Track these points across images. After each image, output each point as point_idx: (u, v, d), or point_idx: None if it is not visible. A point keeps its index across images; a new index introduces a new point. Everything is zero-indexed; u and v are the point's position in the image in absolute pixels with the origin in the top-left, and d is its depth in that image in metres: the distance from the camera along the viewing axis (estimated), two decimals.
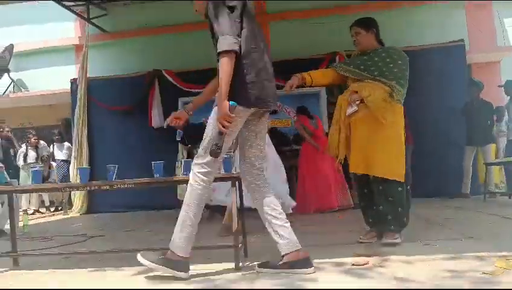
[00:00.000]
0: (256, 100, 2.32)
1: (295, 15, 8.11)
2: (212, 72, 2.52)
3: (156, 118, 7.76)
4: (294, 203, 4.56)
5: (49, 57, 9.07)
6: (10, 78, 8.89)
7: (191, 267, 2.37)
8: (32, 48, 9.03)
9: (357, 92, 3.15)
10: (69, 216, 7.46)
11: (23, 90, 8.96)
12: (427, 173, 6.40)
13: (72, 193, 7.87)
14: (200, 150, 2.38)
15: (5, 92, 8.82)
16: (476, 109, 6.38)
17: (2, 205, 5.09)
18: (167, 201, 7.16)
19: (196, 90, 7.59)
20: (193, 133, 5.52)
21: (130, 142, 7.89)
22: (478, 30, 7.49)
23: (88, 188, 2.95)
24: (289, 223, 2.43)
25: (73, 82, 8.16)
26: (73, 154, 7.89)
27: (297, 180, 6.07)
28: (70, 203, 7.98)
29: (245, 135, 2.50)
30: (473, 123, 6.33)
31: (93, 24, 8.17)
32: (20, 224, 5.48)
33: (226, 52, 2.19)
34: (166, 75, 7.83)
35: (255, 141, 2.51)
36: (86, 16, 8.02)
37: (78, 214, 7.62)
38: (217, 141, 2.27)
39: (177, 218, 2.40)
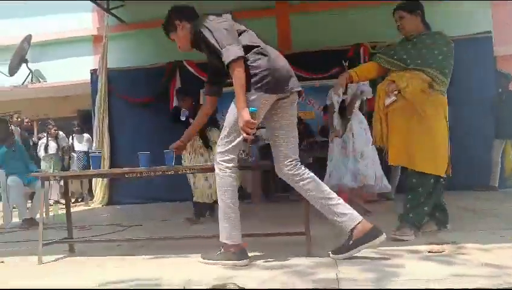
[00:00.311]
0: (274, 86, 2.36)
1: (315, 6, 8.01)
2: None
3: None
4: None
5: (66, 48, 9.00)
6: (29, 68, 8.81)
7: (263, 254, 2.36)
8: (49, 39, 8.96)
9: (394, 81, 3.09)
10: (91, 207, 7.42)
11: (41, 80, 8.88)
12: (455, 165, 6.34)
13: (94, 183, 7.84)
14: (221, 140, 2.42)
15: (24, 83, 8.75)
16: (504, 101, 6.34)
17: (33, 195, 5.07)
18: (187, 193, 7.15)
19: None
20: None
21: (150, 133, 7.81)
22: (504, 22, 7.43)
23: (152, 173, 2.86)
24: (342, 200, 2.39)
25: (93, 73, 8.09)
26: (94, 144, 7.84)
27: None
28: (91, 195, 7.94)
29: (275, 129, 2.48)
30: (501, 115, 6.29)
31: (112, 14, 8.07)
32: (51, 214, 5.47)
33: (234, 61, 2.26)
34: (187, 66, 7.76)
35: (286, 132, 2.47)
36: (105, 6, 7.92)
37: (100, 205, 7.58)
38: (243, 148, 2.42)
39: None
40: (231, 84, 2.38)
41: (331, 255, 2.40)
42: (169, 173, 2.84)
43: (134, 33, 8.47)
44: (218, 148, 2.44)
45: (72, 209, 6.22)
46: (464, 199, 5.04)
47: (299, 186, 2.45)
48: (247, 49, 2.40)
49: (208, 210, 4.67)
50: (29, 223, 4.92)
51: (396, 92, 3.05)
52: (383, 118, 3.18)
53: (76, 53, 8.85)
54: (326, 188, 2.43)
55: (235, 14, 2.60)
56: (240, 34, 2.47)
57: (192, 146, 4.87)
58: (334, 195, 2.41)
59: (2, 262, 2.72)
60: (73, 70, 8.68)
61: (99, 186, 7.82)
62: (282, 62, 2.47)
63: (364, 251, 2.32)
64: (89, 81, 8.22)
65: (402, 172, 4.96)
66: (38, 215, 5.22)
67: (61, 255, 2.88)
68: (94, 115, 7.90)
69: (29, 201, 5.40)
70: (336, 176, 4.37)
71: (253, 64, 2.38)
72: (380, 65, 3.21)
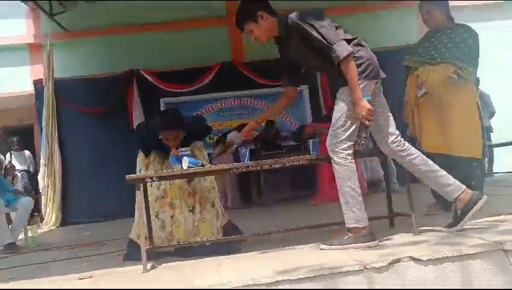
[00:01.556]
0: (375, 73, 2.57)
1: None
2: (193, 71, 2.78)
3: (138, 120, 7.37)
4: None
5: None
6: None
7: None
8: None
9: (418, 76, 3.45)
10: (46, 229, 6.74)
11: None
12: None
13: (43, 204, 7.15)
14: (336, 129, 2.53)
15: None
16: None
17: (15, 215, 4.55)
18: None
19: (178, 90, 7.49)
20: None
21: (107, 146, 7.39)
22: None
23: (265, 166, 2.73)
24: (444, 172, 2.62)
25: (37, 83, 7.42)
26: (42, 161, 7.16)
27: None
28: (40, 216, 7.20)
29: (376, 112, 2.60)
30: None
31: (56, 21, 7.50)
32: (21, 236, 4.91)
33: (347, 57, 2.43)
34: (145, 74, 7.50)
35: (383, 113, 2.67)
36: (48, 12, 7.33)
37: (55, 227, 6.92)
38: (364, 134, 2.52)
39: None
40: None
41: (443, 229, 2.60)
42: (276, 166, 2.75)
43: (79, 41, 7.94)
44: (334, 138, 2.52)
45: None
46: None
47: (407, 161, 2.61)
48: (347, 42, 2.53)
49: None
50: (11, 248, 4.37)
51: (425, 85, 3.38)
52: (415, 110, 3.51)
53: (11, 63, 8.00)
54: (430, 161, 2.62)
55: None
56: (338, 28, 2.59)
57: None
58: (438, 167, 2.61)
59: (91, 277, 2.45)
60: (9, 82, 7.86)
61: (50, 207, 7.14)
62: (369, 53, 2.63)
63: None
64: (28, 92, 7.54)
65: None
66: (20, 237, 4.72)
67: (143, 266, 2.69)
68: (42, 129, 7.22)
69: None
70: None
71: (356, 55, 2.52)
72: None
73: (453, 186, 2.57)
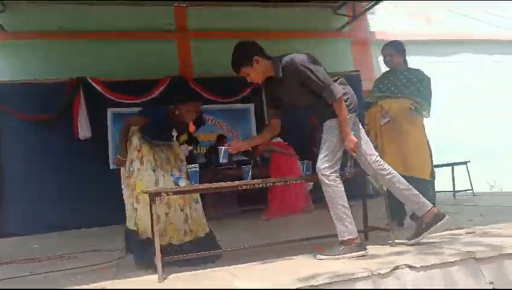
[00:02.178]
0: (355, 106, 3.02)
1: (216, 34, 8.53)
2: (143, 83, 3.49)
3: (83, 129, 7.21)
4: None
5: None
6: None
7: None
8: None
9: (382, 106, 4.02)
10: None
11: None
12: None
13: None
14: (326, 156, 2.87)
15: None
16: None
17: None
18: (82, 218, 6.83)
19: (127, 101, 7.44)
20: None
21: (49, 155, 7.12)
22: (360, 62, 9.26)
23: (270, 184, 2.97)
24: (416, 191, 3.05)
25: None
26: None
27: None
28: None
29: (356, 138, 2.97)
30: None
31: None
32: None
33: (339, 97, 2.84)
34: (93, 83, 7.35)
35: (363, 138, 3.07)
36: None
37: None
38: (350, 163, 2.97)
39: None
40: None
41: (408, 242, 3.02)
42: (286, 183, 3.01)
43: (21, 44, 7.57)
44: (325, 164, 2.84)
45: None
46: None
47: (387, 179, 2.99)
48: (334, 81, 2.92)
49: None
50: None
51: (389, 114, 3.92)
52: (378, 134, 4.01)
53: None
54: (405, 181, 3.03)
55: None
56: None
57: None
58: (411, 187, 3.03)
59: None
60: None
61: None
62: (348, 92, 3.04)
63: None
64: None
65: None
66: None
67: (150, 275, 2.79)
68: None
69: None
70: None
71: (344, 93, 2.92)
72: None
73: (423, 203, 3.02)
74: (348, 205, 2.84)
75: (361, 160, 3.06)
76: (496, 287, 2.44)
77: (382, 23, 9.42)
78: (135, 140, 3.41)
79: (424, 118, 4.03)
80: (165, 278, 2.59)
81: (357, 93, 8.57)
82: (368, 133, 4.21)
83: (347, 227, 2.80)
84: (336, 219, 2.84)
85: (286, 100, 3.12)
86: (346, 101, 2.91)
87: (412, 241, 3.00)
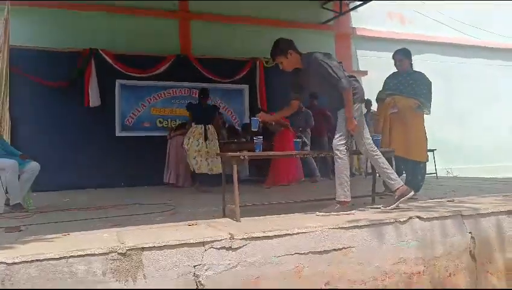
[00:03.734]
0: (363, 98, 3.90)
1: (215, 17, 9.20)
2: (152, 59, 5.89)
3: (94, 98, 7.73)
4: None
5: None
6: None
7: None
8: None
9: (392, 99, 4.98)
10: None
11: None
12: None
13: None
14: (339, 136, 3.75)
15: None
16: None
17: (19, 177, 4.89)
18: (110, 179, 7.52)
19: (136, 74, 8.02)
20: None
21: (61, 120, 7.62)
22: (343, 57, 10.24)
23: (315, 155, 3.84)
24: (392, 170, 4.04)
25: None
26: None
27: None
28: None
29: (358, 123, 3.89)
30: None
31: None
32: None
33: (348, 88, 3.68)
34: (103, 54, 7.86)
35: (363, 124, 3.91)
36: None
37: None
38: (350, 140, 3.85)
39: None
40: None
41: (382, 208, 3.90)
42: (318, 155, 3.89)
43: (37, 11, 7.87)
44: (338, 141, 3.71)
45: None
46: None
47: (375, 159, 3.87)
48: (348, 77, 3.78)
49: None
50: (18, 207, 4.73)
51: (397, 106, 4.88)
52: (387, 122, 4.94)
53: None
54: (386, 161, 3.92)
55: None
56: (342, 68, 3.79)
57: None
58: (390, 167, 3.94)
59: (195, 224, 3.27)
60: None
61: None
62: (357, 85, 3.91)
63: None
64: None
65: None
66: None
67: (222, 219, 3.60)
68: None
69: None
70: None
71: (354, 86, 3.77)
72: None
73: (396, 181, 3.90)
74: (349, 175, 3.76)
75: (359, 141, 3.93)
76: (472, 235, 3.49)
77: (363, 20, 10.42)
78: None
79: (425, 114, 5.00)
80: (239, 221, 3.42)
81: None
82: (376, 121, 5.22)
83: (345, 192, 3.70)
84: (338, 183, 3.72)
85: (309, 88, 4.06)
86: (354, 94, 3.75)
87: (387, 209, 3.86)
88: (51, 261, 2.24)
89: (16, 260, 2.18)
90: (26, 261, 2.20)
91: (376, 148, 3.95)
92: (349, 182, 3.74)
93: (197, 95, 8.60)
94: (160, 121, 8.32)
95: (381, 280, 3.10)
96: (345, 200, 3.70)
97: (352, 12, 10.27)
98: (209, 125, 6.53)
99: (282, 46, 3.77)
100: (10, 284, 2.14)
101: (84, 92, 7.69)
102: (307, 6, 9.97)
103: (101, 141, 7.77)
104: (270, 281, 2.71)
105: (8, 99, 7.16)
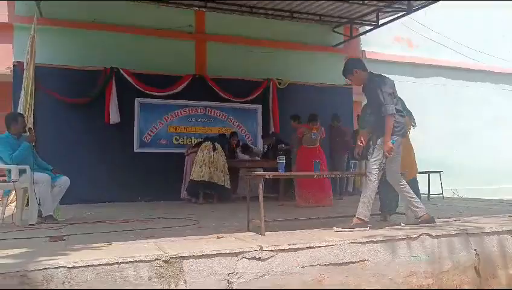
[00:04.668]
0: (405, 132, 4.28)
1: (230, 39, 9.60)
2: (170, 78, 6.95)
3: (114, 115, 8.08)
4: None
5: None
6: None
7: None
8: None
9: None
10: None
11: None
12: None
13: None
14: (374, 161, 4.09)
15: None
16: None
17: (52, 188, 5.18)
18: (128, 194, 7.83)
19: (155, 92, 8.38)
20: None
21: (81, 136, 7.94)
22: None
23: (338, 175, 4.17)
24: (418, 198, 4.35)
25: (17, 65, 7.65)
26: None
27: None
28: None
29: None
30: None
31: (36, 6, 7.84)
32: None
33: (389, 114, 4.04)
34: (124, 74, 8.23)
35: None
36: None
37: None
38: (384, 160, 4.12)
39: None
40: None
41: (402, 224, 4.24)
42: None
43: (56, 30, 8.30)
44: (373, 165, 4.04)
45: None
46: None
47: (400, 188, 4.16)
48: (397, 111, 4.12)
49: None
50: (50, 219, 5.03)
51: None
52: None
53: None
54: (410, 190, 4.23)
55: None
56: (395, 98, 4.15)
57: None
58: (413, 195, 4.24)
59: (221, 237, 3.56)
60: None
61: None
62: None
63: None
64: None
65: None
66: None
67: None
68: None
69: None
70: None
71: (397, 120, 4.10)
72: None
73: (421, 209, 4.18)
74: (373, 198, 4.06)
75: (388, 169, 4.18)
76: (477, 252, 3.76)
77: (372, 43, 10.81)
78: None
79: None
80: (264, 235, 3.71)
81: (349, 104, 9.90)
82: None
83: (366, 211, 4.00)
84: (362, 202, 4.03)
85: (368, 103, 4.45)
86: (397, 127, 4.08)
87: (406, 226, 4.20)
88: (104, 267, 2.54)
89: (75, 265, 2.48)
90: (84, 266, 2.50)
91: (403, 180, 4.23)
92: (371, 204, 4.04)
93: (212, 114, 9.04)
94: (176, 139, 8.66)
95: None
96: (364, 219, 3.99)
97: (361, 36, 10.66)
98: (217, 143, 7.56)
99: (349, 66, 4.24)
100: (69, 286, 2.44)
101: (105, 110, 8.02)
102: (319, 30, 10.37)
103: (120, 156, 8.10)
104: None
105: (32, 114, 7.57)
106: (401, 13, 9.09)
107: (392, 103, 4.05)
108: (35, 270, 2.36)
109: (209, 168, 7.21)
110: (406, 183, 4.26)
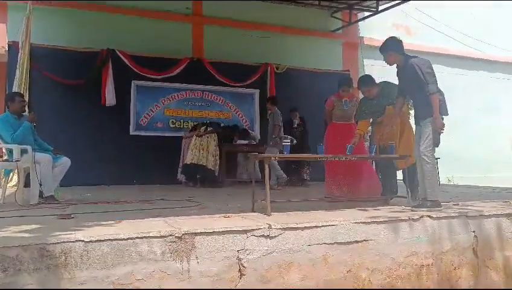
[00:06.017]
0: (445, 109, 4.37)
1: (229, 23, 9.56)
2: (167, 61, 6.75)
3: (110, 97, 8.04)
4: None
5: None
6: None
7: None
8: None
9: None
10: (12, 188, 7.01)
11: None
12: None
13: None
14: (426, 140, 4.13)
15: None
16: None
17: (52, 169, 5.18)
18: (123, 176, 7.87)
19: (152, 75, 8.34)
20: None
21: (77, 117, 7.90)
22: (349, 63, 10.66)
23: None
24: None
25: (12, 45, 7.55)
26: None
27: None
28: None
29: None
30: None
31: None
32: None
33: (434, 92, 4.12)
34: (120, 55, 8.17)
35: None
36: None
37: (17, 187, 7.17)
38: (438, 136, 4.25)
39: None
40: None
41: (403, 207, 4.33)
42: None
43: (53, 10, 8.18)
44: (426, 148, 4.09)
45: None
46: None
47: (423, 163, 4.19)
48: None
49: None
50: (51, 199, 5.03)
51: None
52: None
53: None
54: (432, 170, 4.24)
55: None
56: (434, 77, 4.16)
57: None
58: (435, 176, 4.31)
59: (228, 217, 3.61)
60: None
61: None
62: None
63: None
64: None
65: None
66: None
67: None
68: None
69: None
70: None
71: (439, 97, 4.17)
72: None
73: (433, 191, 4.24)
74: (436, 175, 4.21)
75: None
76: (476, 234, 3.87)
77: (370, 29, 10.82)
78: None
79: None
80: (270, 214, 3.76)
81: None
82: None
83: (435, 192, 4.16)
84: (428, 185, 4.15)
85: (403, 88, 4.43)
86: (441, 106, 4.20)
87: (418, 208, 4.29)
88: (120, 242, 2.58)
89: (92, 239, 2.52)
90: (100, 240, 2.54)
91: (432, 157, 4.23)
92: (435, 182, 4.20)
93: (209, 98, 9.03)
94: (172, 122, 8.66)
95: (395, 270, 3.47)
96: (437, 199, 4.17)
97: (360, 22, 10.67)
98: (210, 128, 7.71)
99: (387, 46, 4.31)
100: (87, 258, 2.48)
101: (102, 91, 7.97)
102: (317, 15, 10.37)
103: (115, 139, 8.08)
104: (302, 267, 3.07)
105: (27, 94, 7.49)
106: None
107: (433, 82, 4.11)
108: (53, 243, 2.39)
109: (199, 151, 7.32)
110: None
